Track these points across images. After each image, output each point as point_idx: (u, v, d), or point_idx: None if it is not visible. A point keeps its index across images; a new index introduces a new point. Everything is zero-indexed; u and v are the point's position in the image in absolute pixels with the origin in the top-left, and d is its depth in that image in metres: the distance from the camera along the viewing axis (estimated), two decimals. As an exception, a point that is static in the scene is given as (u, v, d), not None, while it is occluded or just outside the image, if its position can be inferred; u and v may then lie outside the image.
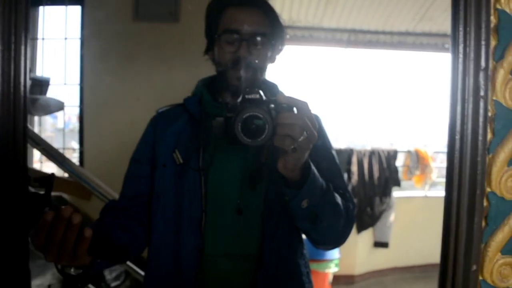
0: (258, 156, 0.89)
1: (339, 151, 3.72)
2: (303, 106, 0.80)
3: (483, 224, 0.67)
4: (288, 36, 1.14)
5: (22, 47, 0.70)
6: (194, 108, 1.07)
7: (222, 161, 1.02)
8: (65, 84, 2.93)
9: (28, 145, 3.03)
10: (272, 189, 0.99)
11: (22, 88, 0.70)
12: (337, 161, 1.08)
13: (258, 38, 1.00)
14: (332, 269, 3.41)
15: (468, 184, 0.62)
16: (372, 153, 3.92)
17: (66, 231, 0.73)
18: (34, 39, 2.74)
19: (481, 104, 0.62)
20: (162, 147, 1.05)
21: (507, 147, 0.66)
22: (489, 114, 0.66)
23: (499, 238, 0.67)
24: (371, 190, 3.93)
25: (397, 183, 3.92)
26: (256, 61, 1.01)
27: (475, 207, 0.63)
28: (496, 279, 0.68)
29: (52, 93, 3.00)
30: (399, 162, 4.01)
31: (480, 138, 0.62)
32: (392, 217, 3.84)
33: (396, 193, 3.89)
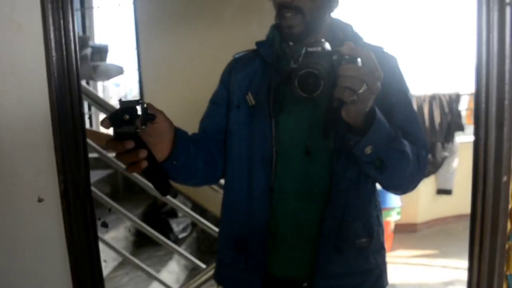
0: (328, 102, 0.89)
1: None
2: (368, 57, 0.80)
3: (515, 136, 0.66)
4: None
5: (69, 13, 0.78)
6: (265, 51, 1.09)
7: (292, 106, 1.04)
8: (122, 49, 3.06)
9: (97, 111, 3.22)
10: (341, 133, 0.99)
11: (73, 52, 0.78)
12: (413, 105, 1.07)
13: None
14: (394, 217, 3.40)
15: (496, 94, 0.62)
16: (433, 98, 3.77)
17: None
18: (90, 8, 2.88)
19: (508, 11, 0.61)
20: (236, 89, 1.10)
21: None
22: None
23: (533, 149, 0.66)
24: (432, 136, 3.80)
25: (461, 127, 3.75)
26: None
27: (504, 118, 0.63)
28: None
29: (111, 59, 3.16)
30: (463, 105, 3.82)
31: (507, 48, 0.62)
32: (455, 163, 3.71)
33: (459, 138, 3.74)
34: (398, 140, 0.92)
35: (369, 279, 1.09)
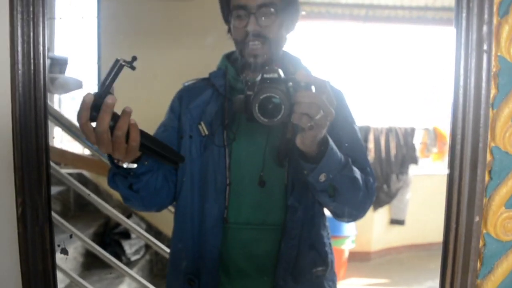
0: (282, 132, 0.92)
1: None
2: (321, 84, 0.82)
3: (487, 178, 0.68)
4: (304, 13, 1.15)
5: (40, 26, 0.74)
6: (219, 82, 1.09)
7: (246, 135, 1.05)
8: (82, 63, 2.97)
9: (51, 124, 3.11)
10: (294, 163, 1.01)
11: (42, 66, 0.74)
12: (359, 135, 1.10)
13: (268, 9, 1.00)
14: (348, 246, 3.44)
15: (471, 137, 0.64)
16: (389, 130, 3.90)
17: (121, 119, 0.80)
18: (52, 18, 2.79)
19: (485, 58, 0.63)
20: (188, 119, 1.08)
21: (511, 102, 0.67)
22: (494, 69, 0.67)
23: (503, 192, 0.68)
24: (388, 167, 3.92)
25: (415, 160, 3.89)
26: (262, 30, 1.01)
27: (478, 160, 0.64)
28: (500, 232, 0.69)
29: (70, 72, 3.06)
30: (417, 139, 3.97)
31: (483, 92, 0.64)
32: (408, 194, 3.83)
33: (413, 170, 3.87)
34: (349, 167, 0.94)
35: None
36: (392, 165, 3.81)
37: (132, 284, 2.56)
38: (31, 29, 0.74)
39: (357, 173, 0.97)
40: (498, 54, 0.67)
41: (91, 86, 3.16)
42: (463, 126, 0.64)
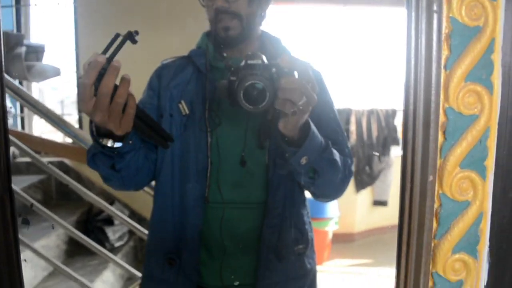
0: (263, 115, 0.93)
1: (337, 111, 3.73)
2: (304, 69, 0.85)
3: (442, 138, 0.70)
4: None
5: None
6: (199, 61, 1.09)
7: (227, 116, 1.06)
8: (59, 50, 2.94)
9: (30, 112, 3.06)
10: (275, 144, 1.03)
11: None
12: (338, 116, 1.12)
13: None
14: (332, 227, 3.49)
15: (423, 98, 0.65)
16: (370, 112, 3.93)
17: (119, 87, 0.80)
18: (26, 5, 2.75)
19: (435, 18, 0.64)
20: (168, 97, 1.08)
21: (463, 63, 0.68)
22: (446, 31, 0.68)
23: (457, 152, 0.70)
24: (369, 149, 3.95)
25: (396, 141, 3.93)
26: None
27: (430, 120, 0.66)
28: (456, 192, 0.71)
29: (48, 60, 3.02)
30: (398, 120, 4.01)
31: (434, 53, 0.65)
32: (391, 176, 3.88)
33: (395, 151, 3.92)
34: (329, 150, 0.97)
35: (305, 283, 1.12)
36: (374, 147, 3.86)
37: (116, 270, 2.58)
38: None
39: (337, 155, 1.00)
40: (450, 15, 0.68)
41: (70, 73, 3.14)
42: (415, 86, 0.65)
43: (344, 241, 3.88)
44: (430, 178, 0.67)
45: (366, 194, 3.88)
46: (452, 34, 0.68)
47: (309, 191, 1.07)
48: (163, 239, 1.11)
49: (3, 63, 0.64)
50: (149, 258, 1.16)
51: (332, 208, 3.47)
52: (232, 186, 1.07)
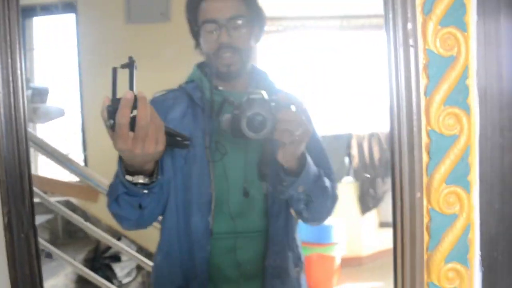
0: (263, 150, 1.05)
1: (339, 137, 3.77)
2: (299, 104, 0.94)
3: (427, 158, 0.76)
4: (280, 28, 1.23)
5: (18, 56, 0.80)
6: (196, 94, 1.11)
7: (228, 150, 1.09)
8: (63, 92, 3.03)
9: (34, 151, 3.13)
10: (273, 176, 1.08)
11: (21, 95, 0.80)
12: (323, 145, 1.17)
13: (238, 22, 1.06)
14: (338, 252, 3.47)
15: (406, 122, 0.73)
16: (371, 135, 3.96)
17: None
18: (31, 49, 2.85)
19: (412, 52, 0.72)
20: None
21: (441, 89, 0.75)
22: (424, 61, 0.76)
23: (442, 170, 0.76)
24: (372, 171, 3.97)
25: (398, 163, 3.94)
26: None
27: (414, 142, 0.73)
28: (443, 206, 0.77)
29: (52, 101, 3.11)
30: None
31: (413, 82, 0.72)
32: (395, 196, 3.88)
33: (397, 173, 3.93)
34: (322, 178, 1.05)
35: None
36: (376, 169, 3.89)
37: (126, 306, 2.57)
38: (9, 56, 0.81)
39: (327, 182, 1.07)
40: (426, 48, 0.76)
41: (74, 114, 3.22)
42: (398, 112, 0.73)
43: (353, 265, 3.85)
44: (418, 194, 0.74)
45: (371, 217, 3.88)
46: (429, 65, 0.76)
47: (301, 217, 1.12)
48: (170, 272, 1.13)
49: (26, 116, 0.71)
50: None
51: (337, 232, 3.47)
52: (234, 216, 1.10)
